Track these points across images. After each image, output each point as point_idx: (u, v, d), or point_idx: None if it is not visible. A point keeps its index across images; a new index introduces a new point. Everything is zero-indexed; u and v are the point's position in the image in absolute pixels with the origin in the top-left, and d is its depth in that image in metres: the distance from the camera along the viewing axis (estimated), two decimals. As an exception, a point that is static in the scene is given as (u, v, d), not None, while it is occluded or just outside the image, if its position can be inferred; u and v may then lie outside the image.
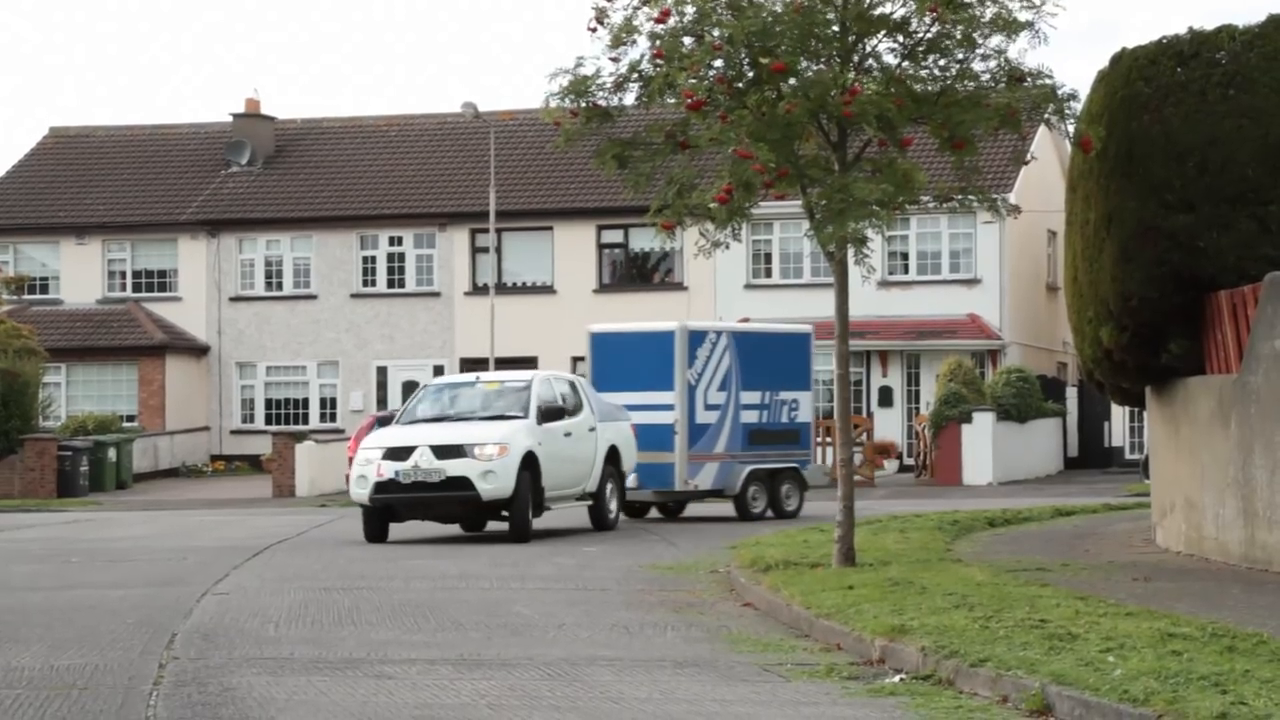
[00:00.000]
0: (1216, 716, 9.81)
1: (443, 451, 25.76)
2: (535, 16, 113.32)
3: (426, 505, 26.27)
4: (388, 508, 26.23)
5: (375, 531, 26.23)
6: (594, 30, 19.39)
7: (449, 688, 12.54)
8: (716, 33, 18.82)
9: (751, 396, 31.43)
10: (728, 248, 20.52)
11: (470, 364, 49.90)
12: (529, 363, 45.06)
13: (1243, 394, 18.74)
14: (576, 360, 50.44)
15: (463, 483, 25.46)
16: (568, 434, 27.42)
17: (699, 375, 30.77)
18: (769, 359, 32.03)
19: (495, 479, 25.33)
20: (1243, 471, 18.82)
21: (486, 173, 51.55)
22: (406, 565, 21.87)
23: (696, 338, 31.16)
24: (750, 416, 31.44)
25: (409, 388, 56.41)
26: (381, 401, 54.04)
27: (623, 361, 31.22)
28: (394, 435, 27.03)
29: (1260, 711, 9.80)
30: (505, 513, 26.06)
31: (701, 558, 22.69)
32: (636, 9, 19.25)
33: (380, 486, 25.79)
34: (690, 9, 19.20)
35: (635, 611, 17.15)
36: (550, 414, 27.13)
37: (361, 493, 26.01)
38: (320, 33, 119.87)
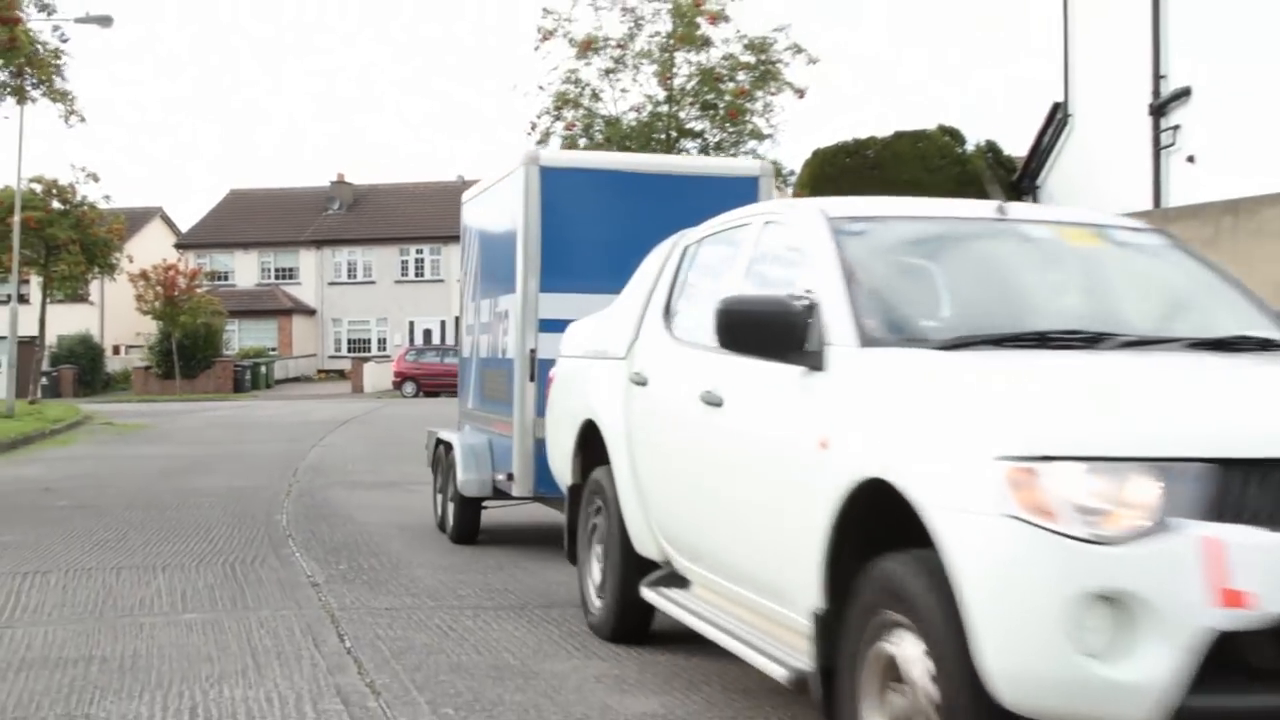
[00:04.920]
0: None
1: None
2: (505, 117, 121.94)
3: None
4: None
5: None
6: (530, 134, 20.91)
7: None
8: (599, 136, 20.22)
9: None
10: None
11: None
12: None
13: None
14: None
15: None
16: None
17: None
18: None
19: None
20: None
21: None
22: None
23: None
24: None
25: (427, 335, 59.96)
26: (411, 340, 57.08)
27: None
28: (1158, 396, 3.24)
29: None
30: None
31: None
32: (553, 122, 21.14)
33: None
34: (580, 123, 20.88)
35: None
36: None
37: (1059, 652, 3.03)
38: (383, 132, 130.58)
